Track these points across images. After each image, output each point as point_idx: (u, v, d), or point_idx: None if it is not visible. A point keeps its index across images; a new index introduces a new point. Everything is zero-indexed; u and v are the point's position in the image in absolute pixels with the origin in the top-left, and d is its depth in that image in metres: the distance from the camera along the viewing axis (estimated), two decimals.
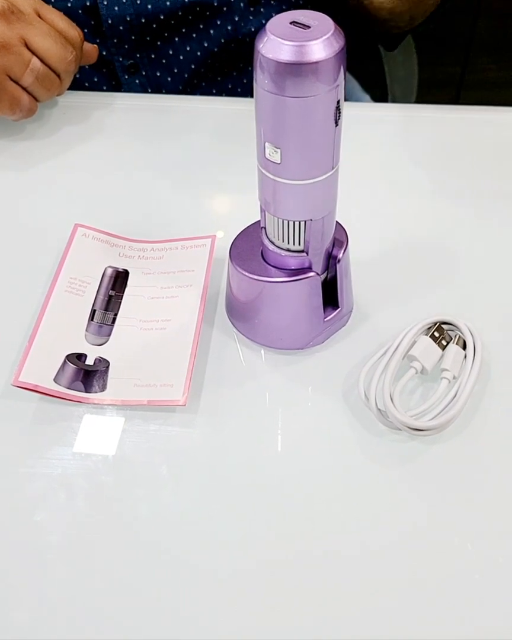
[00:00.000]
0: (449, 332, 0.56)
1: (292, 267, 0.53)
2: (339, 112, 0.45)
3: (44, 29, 0.70)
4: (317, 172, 0.47)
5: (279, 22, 0.43)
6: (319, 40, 0.41)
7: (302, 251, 0.52)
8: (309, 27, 0.42)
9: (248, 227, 0.57)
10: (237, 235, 0.57)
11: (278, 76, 0.42)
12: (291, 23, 0.42)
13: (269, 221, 0.52)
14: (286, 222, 0.50)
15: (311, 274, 0.53)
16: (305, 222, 0.50)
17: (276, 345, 0.57)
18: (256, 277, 0.54)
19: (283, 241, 0.52)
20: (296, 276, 0.53)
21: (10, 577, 0.48)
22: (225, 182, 0.72)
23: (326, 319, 0.56)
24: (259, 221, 0.55)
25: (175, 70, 0.88)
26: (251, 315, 0.57)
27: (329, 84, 0.42)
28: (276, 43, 0.41)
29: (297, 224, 0.50)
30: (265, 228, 0.53)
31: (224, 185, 0.72)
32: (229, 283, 0.58)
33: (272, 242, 0.53)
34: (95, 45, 0.77)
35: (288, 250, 0.52)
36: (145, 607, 0.46)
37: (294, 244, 0.52)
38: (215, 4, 0.84)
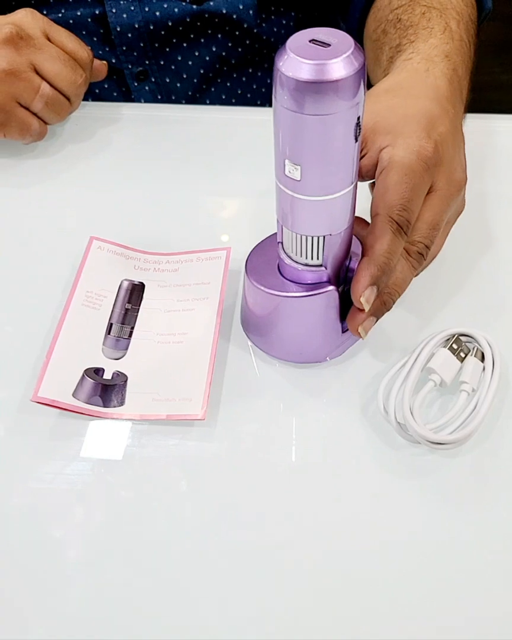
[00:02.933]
0: (467, 344, 0.56)
1: (310, 282, 0.53)
2: (359, 128, 0.45)
3: (53, 53, 0.70)
4: (337, 188, 0.47)
5: (299, 40, 0.42)
6: (340, 58, 0.41)
7: (320, 265, 0.52)
8: (329, 45, 0.42)
9: (263, 240, 0.57)
10: (253, 250, 0.56)
11: (300, 95, 0.41)
12: (310, 41, 0.42)
13: (287, 236, 0.51)
14: (305, 237, 0.50)
15: (329, 288, 0.53)
16: (324, 237, 0.50)
17: (294, 359, 0.57)
18: (273, 291, 0.53)
19: (301, 256, 0.52)
20: (314, 291, 0.53)
21: (30, 593, 0.48)
22: (239, 192, 0.72)
23: (343, 332, 0.56)
24: (274, 235, 0.55)
25: (185, 76, 0.88)
26: (268, 329, 0.57)
27: (350, 101, 0.42)
28: (296, 62, 0.41)
29: (316, 239, 0.50)
30: (282, 243, 0.53)
31: (237, 196, 0.72)
32: (245, 298, 0.58)
33: (290, 257, 0.53)
34: (105, 62, 0.77)
35: (306, 264, 0.52)
36: (165, 621, 0.47)
37: (312, 258, 0.52)
38: (224, 11, 0.84)
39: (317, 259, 0.52)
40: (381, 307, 0.53)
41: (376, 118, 0.56)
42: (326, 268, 0.52)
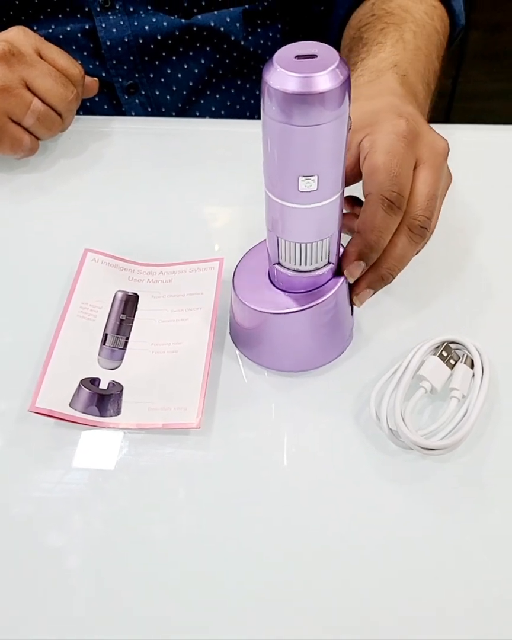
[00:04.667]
0: (456, 351, 0.57)
1: (317, 285, 0.54)
2: (349, 118, 0.46)
3: (45, 70, 0.70)
4: (341, 183, 0.48)
5: (286, 54, 0.42)
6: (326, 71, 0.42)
7: (328, 263, 0.53)
8: (316, 56, 0.42)
9: (242, 259, 0.58)
10: (235, 278, 0.57)
11: (314, 107, 0.42)
12: (296, 57, 0.42)
13: (292, 250, 0.51)
14: (316, 243, 0.51)
15: (340, 279, 0.54)
16: (332, 234, 0.51)
17: (313, 364, 0.58)
18: (288, 310, 0.54)
19: (311, 263, 0.52)
20: (330, 289, 0.54)
21: (29, 600, 0.49)
22: (231, 203, 0.73)
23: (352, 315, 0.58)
24: (248, 253, 0.57)
25: (174, 89, 0.89)
26: (287, 346, 0.57)
27: (346, 101, 0.43)
28: (291, 77, 0.41)
29: (326, 240, 0.51)
30: (280, 262, 0.53)
31: (229, 206, 0.73)
32: (242, 323, 0.58)
33: (296, 270, 0.53)
34: (96, 79, 0.77)
35: (316, 268, 0.53)
36: (164, 627, 0.47)
37: (321, 260, 0.52)
38: (212, 24, 0.85)
39: (325, 259, 0.52)
40: (379, 281, 0.55)
41: None
42: (332, 263, 0.53)
